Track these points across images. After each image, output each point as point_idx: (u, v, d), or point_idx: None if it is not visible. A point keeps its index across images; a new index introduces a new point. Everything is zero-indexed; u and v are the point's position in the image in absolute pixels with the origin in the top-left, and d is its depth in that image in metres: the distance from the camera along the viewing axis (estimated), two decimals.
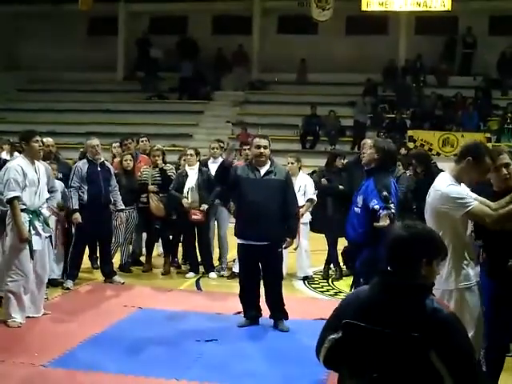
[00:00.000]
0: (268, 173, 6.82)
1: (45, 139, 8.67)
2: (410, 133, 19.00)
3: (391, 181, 5.92)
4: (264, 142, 6.90)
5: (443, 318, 2.91)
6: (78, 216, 8.45)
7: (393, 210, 5.57)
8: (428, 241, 3.05)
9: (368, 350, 2.97)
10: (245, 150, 9.74)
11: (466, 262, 4.47)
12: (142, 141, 10.58)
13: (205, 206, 9.09)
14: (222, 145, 10.09)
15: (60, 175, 8.73)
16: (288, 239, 7.05)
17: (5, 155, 10.09)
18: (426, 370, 2.86)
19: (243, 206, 6.86)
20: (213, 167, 9.41)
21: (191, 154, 9.34)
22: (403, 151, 12.38)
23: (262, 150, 6.84)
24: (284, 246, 7.04)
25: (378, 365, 2.94)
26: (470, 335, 3.67)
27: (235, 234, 7.03)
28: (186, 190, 9.14)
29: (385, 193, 5.61)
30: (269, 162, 6.90)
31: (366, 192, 5.80)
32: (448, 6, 19.69)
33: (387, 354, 2.92)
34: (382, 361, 2.93)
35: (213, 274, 9.31)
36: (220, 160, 9.35)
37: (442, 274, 4.40)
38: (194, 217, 9.08)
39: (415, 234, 3.05)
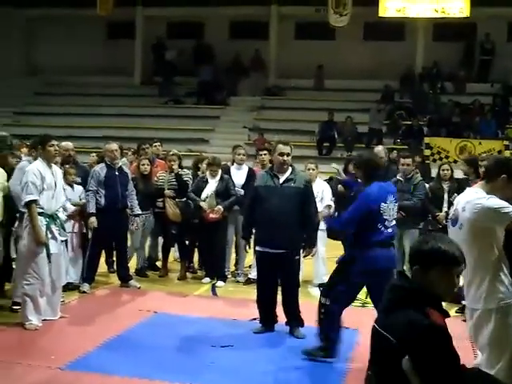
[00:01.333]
0: (287, 180, 6.79)
1: (64, 143, 8.73)
2: (426, 140, 18.92)
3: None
4: (287, 149, 6.88)
5: (418, 329, 2.89)
6: (94, 220, 8.47)
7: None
8: (434, 251, 3.06)
9: (371, 345, 3.13)
10: (261, 155, 9.76)
11: (504, 277, 4.41)
12: (155, 145, 10.58)
13: (219, 207, 9.06)
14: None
15: (78, 179, 8.76)
16: (307, 248, 7.03)
17: (24, 158, 10.14)
18: (398, 378, 2.90)
19: (261, 213, 6.83)
20: (236, 174, 9.42)
21: (217, 165, 9.27)
22: (418, 159, 12.31)
23: (285, 157, 6.81)
24: (303, 254, 7.02)
25: (372, 362, 3.09)
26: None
27: (254, 241, 7.04)
28: (203, 196, 9.14)
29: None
30: (290, 169, 6.87)
31: None
32: (466, 13, 19.62)
33: (376, 352, 3.04)
34: (372, 359, 3.07)
35: (220, 283, 9.26)
36: (243, 166, 9.41)
37: (481, 293, 4.37)
38: (211, 215, 9.03)
39: (425, 244, 3.11)
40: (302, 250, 7.00)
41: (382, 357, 2.99)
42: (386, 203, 5.93)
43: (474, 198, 4.43)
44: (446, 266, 3.04)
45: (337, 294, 6.03)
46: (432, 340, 2.87)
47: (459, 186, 8.59)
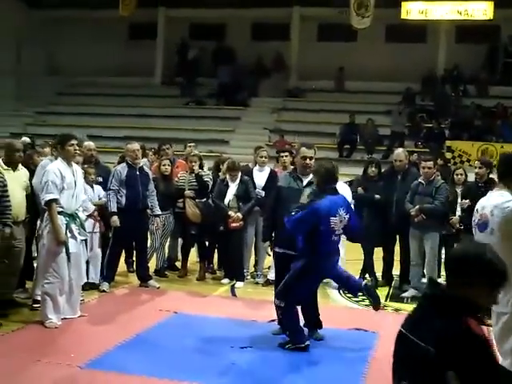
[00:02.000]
0: (310, 183, 6.76)
1: (86, 143, 8.78)
2: (448, 143, 18.82)
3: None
4: (310, 152, 6.86)
5: (459, 339, 2.74)
6: (116, 219, 8.51)
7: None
8: (481, 263, 2.86)
9: (399, 354, 3.01)
10: (282, 157, 9.75)
11: None
12: (190, 146, 10.67)
13: (238, 215, 9.08)
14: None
15: (100, 179, 8.81)
16: None
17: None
18: None
19: (282, 214, 6.79)
20: (258, 175, 9.42)
21: (236, 170, 9.28)
22: (440, 161, 12.22)
23: (307, 161, 6.81)
24: None
25: (404, 372, 2.93)
26: None
27: (274, 242, 7.06)
28: (226, 201, 9.16)
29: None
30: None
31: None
32: (490, 15, 19.50)
33: (408, 361, 2.90)
34: (402, 367, 2.94)
35: (240, 284, 9.27)
36: (265, 168, 9.41)
37: (510, 297, 4.31)
38: (232, 224, 9.09)
39: (470, 253, 2.92)
40: None
41: (417, 366, 2.84)
42: (335, 217, 6.22)
43: (502, 201, 4.40)
44: (493, 281, 2.86)
45: (292, 296, 6.39)
46: (475, 350, 2.75)
47: (468, 191, 8.58)
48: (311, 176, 6.81)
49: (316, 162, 6.83)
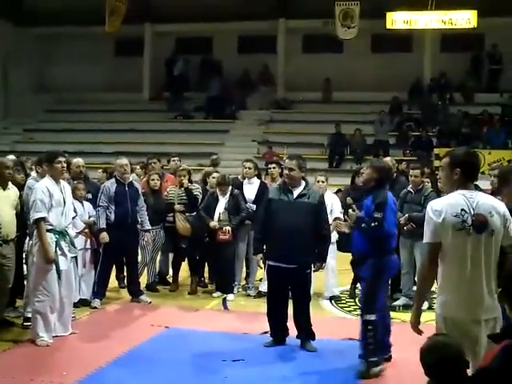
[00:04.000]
0: (301, 196, 6.79)
1: (75, 160, 8.77)
2: (436, 151, 18.88)
3: (388, 195, 6.24)
4: (290, 163, 6.89)
5: None
6: (105, 236, 8.50)
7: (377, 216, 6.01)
8: None
9: None
10: (270, 168, 9.80)
11: None
12: (174, 160, 10.63)
13: (228, 228, 9.09)
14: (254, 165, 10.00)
15: (89, 195, 8.79)
16: (318, 263, 7.02)
17: (35, 174, 10.20)
18: None
19: (273, 227, 6.83)
20: (248, 188, 9.45)
21: (226, 184, 9.30)
22: (427, 170, 12.26)
23: (287, 171, 6.86)
24: (314, 269, 7.02)
25: None
26: None
27: (265, 255, 7.07)
28: (216, 215, 9.17)
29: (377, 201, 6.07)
30: (303, 184, 6.88)
31: (366, 209, 6.20)
32: (474, 23, 19.61)
33: None
34: None
35: (230, 296, 9.27)
36: (255, 180, 9.42)
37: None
38: (221, 237, 9.10)
39: None
40: (312, 265, 6.99)
41: None
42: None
43: (498, 204, 4.38)
44: None
45: (379, 305, 6.16)
46: None
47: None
48: (301, 188, 6.83)
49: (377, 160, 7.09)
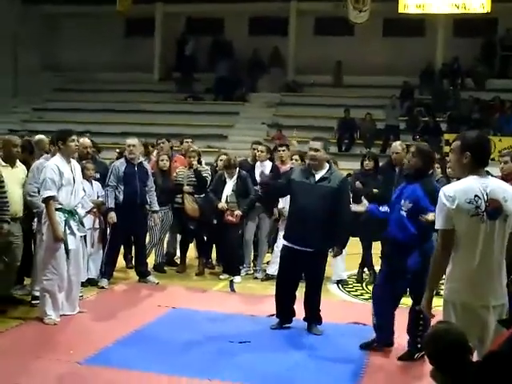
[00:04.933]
0: (322, 179, 6.71)
1: (81, 140, 8.75)
2: (446, 136, 18.77)
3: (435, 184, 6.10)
4: (316, 144, 6.80)
5: None
6: (113, 215, 8.50)
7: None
8: None
9: None
10: (279, 151, 9.77)
11: None
12: (187, 141, 10.60)
13: (239, 213, 9.08)
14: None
15: (97, 175, 8.79)
16: (336, 248, 7.00)
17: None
18: None
19: (293, 209, 6.82)
20: (260, 171, 9.40)
21: (233, 167, 9.25)
22: (437, 155, 12.20)
23: (313, 152, 6.76)
24: (332, 254, 7.00)
25: None
26: None
27: (283, 235, 7.09)
28: (224, 197, 9.16)
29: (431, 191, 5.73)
30: (326, 167, 6.77)
31: (415, 197, 5.87)
32: (487, 8, 19.42)
33: None
34: None
35: (238, 278, 9.26)
36: (267, 163, 9.38)
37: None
38: (229, 218, 9.09)
39: None
40: (329, 249, 6.97)
41: None
42: None
43: (511, 189, 4.32)
44: None
45: None
46: None
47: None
48: (324, 171, 6.75)
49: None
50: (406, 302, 6.41)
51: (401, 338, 6.35)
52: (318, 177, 6.74)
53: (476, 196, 4.20)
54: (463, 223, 4.19)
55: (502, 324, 3.16)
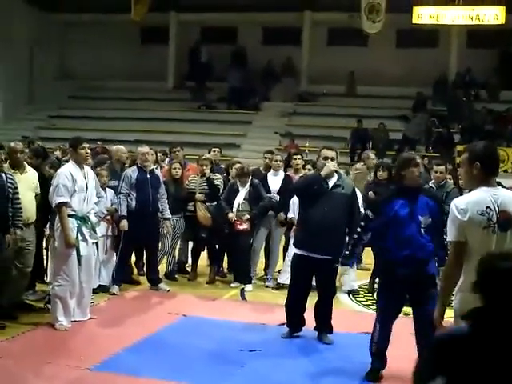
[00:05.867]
0: (336, 186, 6.73)
1: (115, 147, 8.83)
2: (459, 147, 18.70)
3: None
4: (331, 153, 6.84)
5: None
6: (125, 223, 8.53)
7: None
8: None
9: None
10: (295, 159, 9.78)
11: None
12: (214, 151, 11.01)
13: (247, 217, 9.09)
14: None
15: (112, 182, 8.83)
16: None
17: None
18: None
19: (308, 216, 6.78)
20: (273, 180, 9.44)
21: (246, 175, 9.27)
22: (449, 166, 12.19)
23: (329, 161, 6.76)
24: (342, 261, 6.98)
25: None
26: None
27: (294, 244, 7.04)
28: (235, 205, 9.17)
29: None
30: (336, 175, 6.81)
31: (432, 210, 5.74)
32: (501, 20, 19.40)
33: None
34: None
35: (249, 287, 9.24)
36: (280, 172, 9.41)
37: None
38: (239, 227, 9.10)
39: None
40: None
41: None
42: None
43: None
44: None
45: None
46: None
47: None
48: (335, 178, 6.76)
49: None
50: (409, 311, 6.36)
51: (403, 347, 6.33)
52: (331, 184, 6.75)
53: (488, 207, 4.20)
54: (475, 235, 4.18)
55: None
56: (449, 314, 4.38)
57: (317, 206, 6.67)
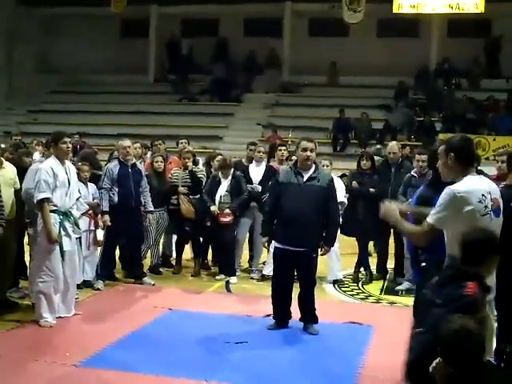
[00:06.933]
0: (311, 178, 6.76)
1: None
2: (441, 136, 18.79)
3: None
4: (311, 145, 6.84)
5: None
6: (107, 218, 8.49)
7: None
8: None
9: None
10: (280, 150, 9.78)
11: None
12: (182, 142, 10.65)
13: (228, 211, 9.09)
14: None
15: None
16: (325, 247, 7.01)
17: (37, 156, 10.24)
18: None
19: (283, 210, 6.78)
20: (255, 171, 9.43)
21: (228, 167, 9.27)
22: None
23: (308, 153, 6.77)
24: (321, 253, 7.00)
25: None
26: None
27: (272, 238, 7.04)
28: (217, 197, 9.16)
29: None
30: (313, 167, 6.84)
31: None
32: (481, 8, 19.49)
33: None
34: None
35: (234, 279, 9.25)
36: (263, 164, 9.40)
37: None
38: (222, 219, 9.09)
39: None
40: (319, 248, 6.98)
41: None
42: None
43: (496, 186, 4.45)
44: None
45: None
46: None
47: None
48: (312, 171, 6.80)
49: None
50: (407, 301, 6.40)
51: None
52: (306, 177, 6.78)
53: (483, 195, 4.28)
54: (475, 223, 4.20)
55: None
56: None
57: (291, 199, 6.70)
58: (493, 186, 4.42)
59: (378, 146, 15.09)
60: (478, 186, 4.29)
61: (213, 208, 9.10)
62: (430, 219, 4.33)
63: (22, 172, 7.55)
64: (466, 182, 4.34)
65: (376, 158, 10.17)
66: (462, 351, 3.28)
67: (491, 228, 4.23)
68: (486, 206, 4.25)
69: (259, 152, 9.60)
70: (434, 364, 3.43)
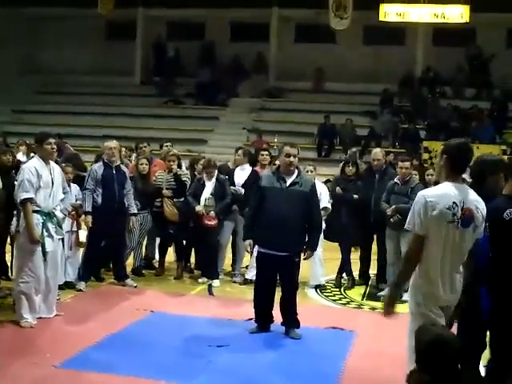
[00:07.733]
0: (294, 183, 6.81)
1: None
2: (425, 144, 18.93)
3: None
4: (294, 150, 6.90)
5: None
6: (89, 219, 8.46)
7: None
8: None
9: None
10: (262, 155, 9.81)
11: None
12: (166, 145, 10.67)
13: (212, 213, 9.09)
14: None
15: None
16: (308, 251, 7.03)
17: (21, 156, 10.20)
18: None
19: (265, 215, 6.80)
20: (239, 174, 9.46)
21: (212, 167, 9.29)
22: (416, 162, 12.36)
23: (291, 158, 6.82)
24: (304, 257, 7.02)
25: None
26: None
27: (255, 242, 7.05)
28: (202, 200, 9.16)
29: None
30: (296, 172, 6.89)
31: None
32: (466, 18, 19.59)
33: None
34: None
35: (216, 282, 9.25)
36: (247, 167, 9.44)
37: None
38: (206, 222, 9.09)
39: None
40: (302, 253, 7.00)
41: None
42: None
43: (480, 200, 4.43)
44: None
45: None
46: None
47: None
48: (294, 176, 6.84)
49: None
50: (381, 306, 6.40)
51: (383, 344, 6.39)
52: (289, 182, 6.82)
53: (454, 203, 4.30)
54: (440, 229, 4.28)
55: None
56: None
57: (273, 204, 6.73)
58: (472, 197, 4.39)
59: (354, 149, 15.06)
60: (450, 194, 4.33)
61: (198, 208, 9.09)
62: (409, 226, 4.43)
63: (4, 173, 7.51)
64: (439, 187, 4.45)
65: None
66: (439, 359, 3.33)
67: (453, 237, 4.30)
68: (454, 214, 4.29)
69: (238, 155, 9.72)
70: (408, 372, 3.48)
